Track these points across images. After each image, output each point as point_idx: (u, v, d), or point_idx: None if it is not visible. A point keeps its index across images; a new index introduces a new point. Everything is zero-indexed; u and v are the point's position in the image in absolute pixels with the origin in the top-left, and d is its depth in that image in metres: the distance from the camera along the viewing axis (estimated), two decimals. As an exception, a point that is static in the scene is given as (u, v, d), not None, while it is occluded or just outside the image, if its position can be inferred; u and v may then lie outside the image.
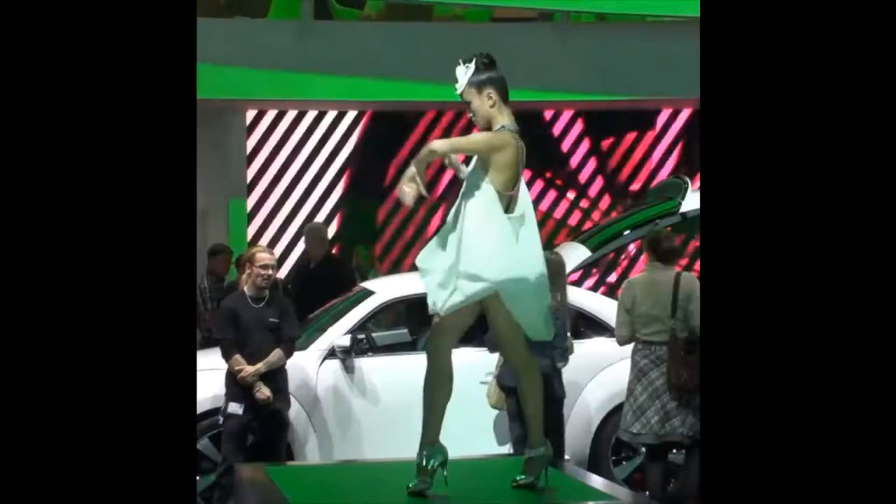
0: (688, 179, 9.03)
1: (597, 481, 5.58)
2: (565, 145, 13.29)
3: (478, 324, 8.29)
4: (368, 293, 7.87)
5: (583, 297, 8.01)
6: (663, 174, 13.06)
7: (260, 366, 7.15)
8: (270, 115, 12.68)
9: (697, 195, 8.31)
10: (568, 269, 8.10)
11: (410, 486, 4.95)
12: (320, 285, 9.02)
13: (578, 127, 13.28)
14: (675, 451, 7.27)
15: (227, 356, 7.21)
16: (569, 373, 7.34)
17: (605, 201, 13.37)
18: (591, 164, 13.34)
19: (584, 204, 13.38)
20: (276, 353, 7.21)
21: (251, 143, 12.63)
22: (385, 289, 7.93)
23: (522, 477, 5.11)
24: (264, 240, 12.41)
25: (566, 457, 7.19)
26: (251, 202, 12.63)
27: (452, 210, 5.04)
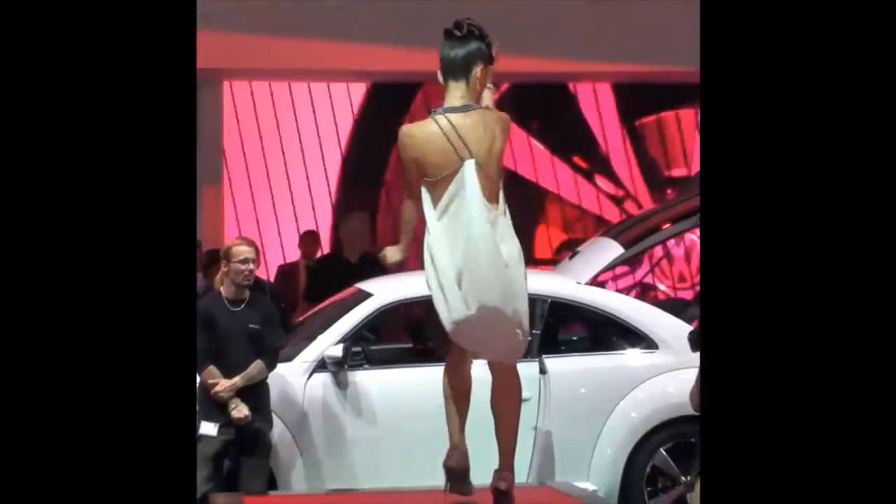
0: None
1: None
2: (595, 124, 13.25)
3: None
4: (365, 295, 7.78)
5: (614, 302, 7.96)
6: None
7: (237, 379, 7.15)
8: (250, 86, 12.70)
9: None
10: (597, 268, 8.12)
11: None
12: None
13: (611, 103, 13.26)
14: None
15: (199, 368, 7.15)
16: (596, 390, 7.41)
17: (642, 189, 13.38)
18: (625, 144, 13.34)
19: (615, 191, 13.36)
20: (257, 365, 7.21)
21: (227, 120, 12.63)
22: (384, 290, 7.84)
23: None
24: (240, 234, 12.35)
25: (592, 488, 7.22)
26: (227, 188, 12.67)
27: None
